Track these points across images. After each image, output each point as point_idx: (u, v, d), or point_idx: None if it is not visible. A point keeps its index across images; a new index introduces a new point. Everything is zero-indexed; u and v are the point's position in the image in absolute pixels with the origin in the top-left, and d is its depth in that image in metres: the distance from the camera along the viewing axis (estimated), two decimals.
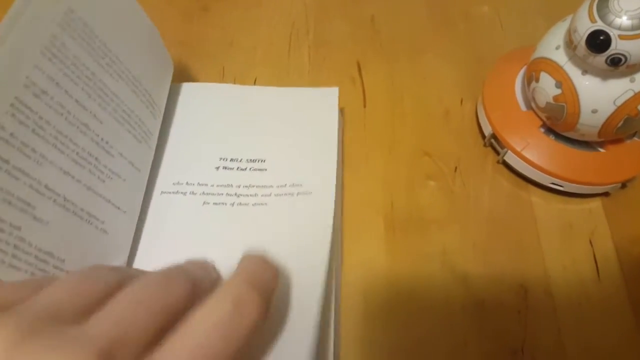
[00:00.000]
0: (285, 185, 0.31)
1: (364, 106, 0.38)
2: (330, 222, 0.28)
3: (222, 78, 0.39)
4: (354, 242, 0.31)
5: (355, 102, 0.38)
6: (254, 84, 0.38)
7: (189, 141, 0.34)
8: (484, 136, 0.36)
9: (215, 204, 0.31)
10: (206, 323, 0.17)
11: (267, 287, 0.20)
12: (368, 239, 0.32)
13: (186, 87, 0.36)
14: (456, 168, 0.35)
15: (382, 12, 0.43)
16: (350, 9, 0.43)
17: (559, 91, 0.30)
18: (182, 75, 0.38)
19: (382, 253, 0.31)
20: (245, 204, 0.31)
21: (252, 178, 0.32)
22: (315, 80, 0.39)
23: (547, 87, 0.30)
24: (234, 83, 0.38)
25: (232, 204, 0.31)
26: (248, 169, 0.32)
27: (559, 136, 0.33)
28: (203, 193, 0.31)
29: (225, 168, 0.32)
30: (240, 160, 0.33)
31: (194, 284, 0.18)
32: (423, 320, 0.29)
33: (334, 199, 0.30)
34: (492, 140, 0.35)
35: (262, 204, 0.31)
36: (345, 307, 0.29)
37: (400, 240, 0.32)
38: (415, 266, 0.31)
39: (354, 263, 0.31)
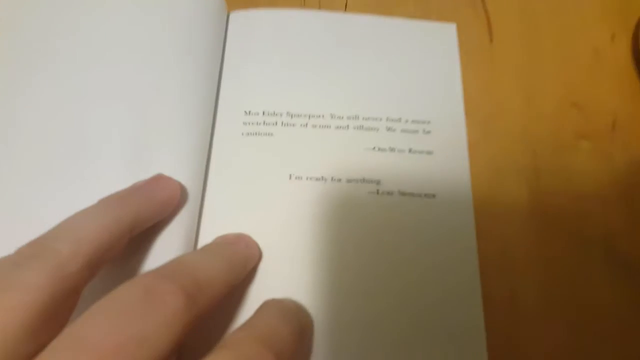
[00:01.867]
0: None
1: (490, 40, 0.29)
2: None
3: (303, 1, 0.30)
4: (487, 221, 0.24)
5: (477, 35, 0.29)
6: (345, 9, 0.30)
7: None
8: None
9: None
10: None
11: (285, 348, 0.16)
12: (507, 218, 0.24)
13: (256, 15, 0.28)
14: (614, 124, 0.27)
15: None
16: None
17: None
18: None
19: (528, 238, 0.24)
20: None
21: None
22: (423, 2, 0.30)
23: None
24: (319, 8, 0.30)
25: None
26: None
27: None
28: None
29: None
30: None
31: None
32: (584, 327, 0.22)
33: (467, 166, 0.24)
34: None
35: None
36: (487, 314, 0.22)
37: (549, 219, 0.25)
38: (571, 254, 0.24)
39: (490, 250, 0.24)
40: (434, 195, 0.24)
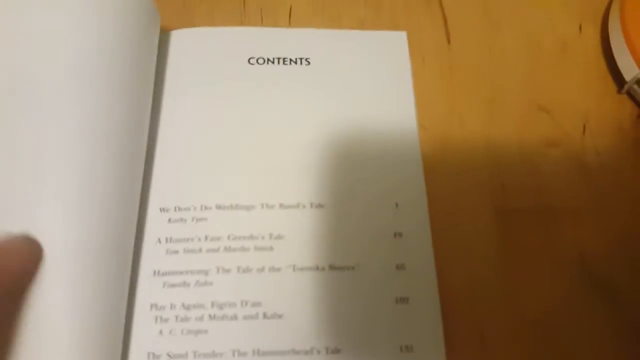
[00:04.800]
0: None
1: (448, 42, 0.27)
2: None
3: (243, 17, 0.27)
4: (450, 246, 0.22)
5: (434, 36, 0.27)
6: (289, 21, 0.27)
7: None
8: (616, 78, 0.25)
9: None
10: None
11: None
12: (471, 239, 0.23)
13: (190, 35, 0.25)
14: (584, 127, 0.25)
15: None
16: None
17: None
18: (187, 17, 0.27)
19: (495, 260, 0.22)
20: None
21: None
22: (374, 5, 0.28)
23: None
24: (261, 23, 0.27)
25: None
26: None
27: None
28: None
29: None
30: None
31: None
32: (560, 354, 0.21)
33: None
34: (636, 87, 0.24)
35: None
36: (457, 342, 0.20)
37: (517, 239, 0.23)
38: (544, 277, 0.22)
39: (455, 274, 0.22)
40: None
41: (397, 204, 0.22)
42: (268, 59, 0.24)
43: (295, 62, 0.24)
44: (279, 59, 0.24)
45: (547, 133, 0.25)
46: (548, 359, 0.21)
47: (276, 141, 0.23)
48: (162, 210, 0.21)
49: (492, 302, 0.21)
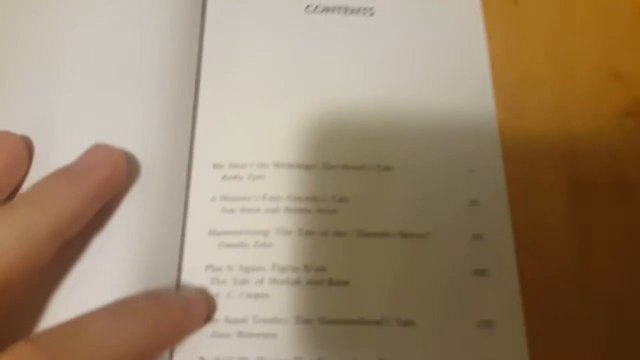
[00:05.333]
0: None
1: (515, 2, 0.25)
2: None
3: None
4: (525, 217, 0.21)
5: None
6: None
7: None
8: None
9: None
10: None
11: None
12: (545, 211, 0.21)
13: None
14: None
15: None
16: None
17: None
18: None
19: (570, 236, 0.21)
20: None
21: None
22: None
23: None
24: None
25: None
26: None
27: None
28: None
29: None
30: None
31: None
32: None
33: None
34: None
35: None
36: (533, 319, 0.19)
37: (592, 214, 0.21)
38: (621, 256, 0.21)
39: (530, 248, 0.20)
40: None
41: (471, 169, 0.20)
42: (327, 7, 0.22)
43: (357, 12, 0.22)
44: (339, 7, 0.22)
45: (621, 102, 0.23)
46: (626, 342, 0.19)
47: (337, 97, 0.21)
48: (216, 166, 0.20)
49: (568, 278, 0.20)
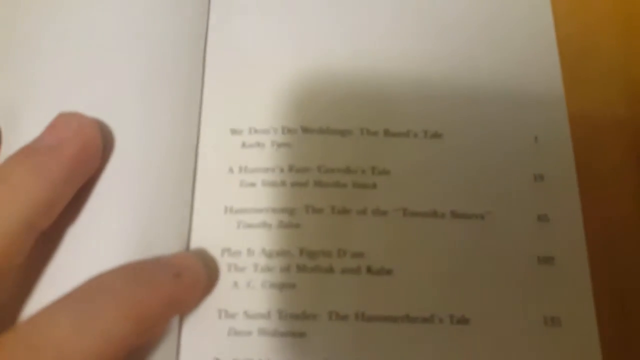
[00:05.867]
0: None
1: None
2: None
3: None
4: (591, 194, 0.17)
5: None
6: None
7: None
8: None
9: None
10: None
11: None
12: (612, 187, 0.18)
13: None
14: None
15: None
16: None
17: None
18: None
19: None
20: None
21: None
22: None
23: None
24: None
25: None
26: None
27: None
28: None
29: None
30: None
31: None
32: None
33: None
34: None
35: None
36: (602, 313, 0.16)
37: None
38: None
39: (598, 232, 0.17)
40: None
41: (536, 138, 0.17)
42: None
43: None
44: None
45: None
46: None
47: (378, 49, 0.18)
48: (234, 132, 0.16)
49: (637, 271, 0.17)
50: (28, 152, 0.14)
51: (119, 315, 0.12)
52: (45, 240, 0.14)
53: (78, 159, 0.14)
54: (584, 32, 0.20)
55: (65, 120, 0.14)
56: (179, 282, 0.13)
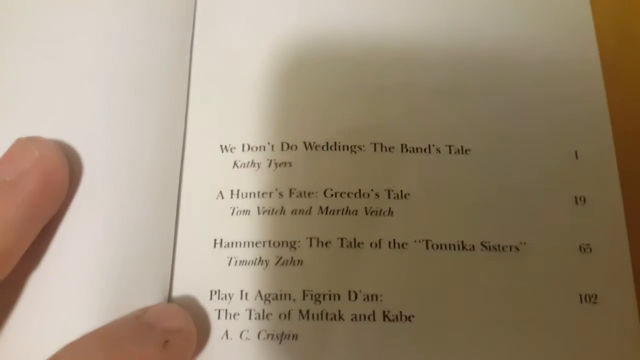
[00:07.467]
0: None
1: None
2: None
3: None
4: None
5: None
6: None
7: None
8: None
9: None
10: None
11: None
12: None
13: None
14: None
15: None
16: None
17: None
18: None
19: None
20: None
21: None
22: None
23: None
24: None
25: None
26: None
27: None
28: None
29: None
30: None
31: None
32: None
33: None
34: None
35: None
36: None
37: None
38: None
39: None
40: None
41: (576, 153, 0.14)
42: None
43: None
44: None
45: None
46: None
47: (396, 53, 0.15)
48: (225, 149, 0.14)
49: None
50: None
51: None
52: (1, 293, 0.12)
53: (39, 196, 0.11)
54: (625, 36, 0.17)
55: (23, 148, 0.12)
56: (167, 353, 0.11)
